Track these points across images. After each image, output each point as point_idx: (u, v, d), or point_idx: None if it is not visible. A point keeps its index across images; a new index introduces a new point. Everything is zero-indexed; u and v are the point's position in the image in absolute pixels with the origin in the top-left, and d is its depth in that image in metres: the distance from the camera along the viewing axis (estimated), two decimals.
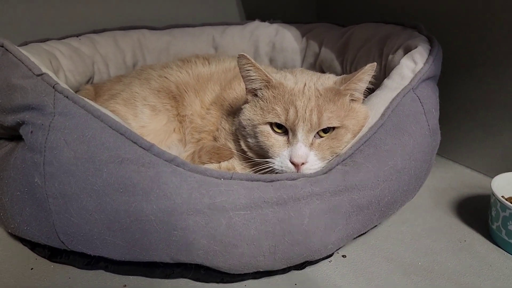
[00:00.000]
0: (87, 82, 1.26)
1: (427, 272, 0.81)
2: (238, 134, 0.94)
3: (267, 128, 0.86)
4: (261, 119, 0.86)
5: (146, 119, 1.06)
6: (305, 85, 0.86)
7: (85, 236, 0.72)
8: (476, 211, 1.02)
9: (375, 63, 0.83)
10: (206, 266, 0.74)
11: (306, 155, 0.81)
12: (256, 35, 1.40)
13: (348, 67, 1.19)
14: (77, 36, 1.30)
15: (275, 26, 1.41)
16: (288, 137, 0.84)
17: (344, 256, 0.85)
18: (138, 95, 1.09)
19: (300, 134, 0.82)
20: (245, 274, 0.76)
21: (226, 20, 1.48)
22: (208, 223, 0.69)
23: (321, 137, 0.84)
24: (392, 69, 0.97)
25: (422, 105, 0.89)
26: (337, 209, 0.76)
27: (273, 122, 0.85)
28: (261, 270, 0.75)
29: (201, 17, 1.51)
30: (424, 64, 0.92)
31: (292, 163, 0.82)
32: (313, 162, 0.82)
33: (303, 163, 0.81)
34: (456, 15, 1.18)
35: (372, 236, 0.92)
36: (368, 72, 0.84)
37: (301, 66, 1.37)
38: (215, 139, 1.04)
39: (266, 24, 1.43)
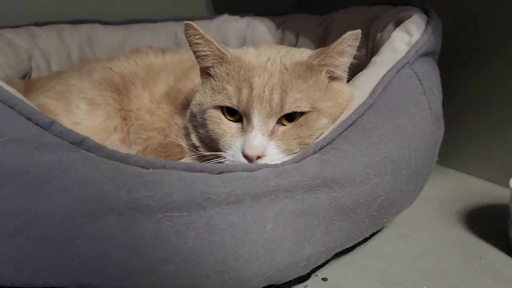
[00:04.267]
0: (23, 78, 1.06)
1: None
2: (189, 126, 0.74)
3: (217, 113, 0.67)
4: (210, 102, 0.67)
5: (81, 115, 0.86)
6: (269, 59, 0.67)
7: None
8: (490, 223, 0.81)
9: (359, 30, 0.64)
10: None
11: (263, 146, 0.62)
12: (224, 29, 1.22)
13: None
14: (13, 28, 1.10)
15: (246, 19, 1.23)
16: (243, 124, 0.65)
17: (324, 279, 0.64)
18: (75, 88, 0.89)
19: (256, 119, 0.63)
20: None
21: (192, 16, 1.30)
22: (127, 229, 0.48)
23: (285, 125, 0.65)
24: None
25: (421, 84, 0.70)
26: (313, 212, 0.56)
27: (223, 105, 0.66)
28: None
29: (164, 13, 1.32)
30: (422, 35, 0.73)
31: (245, 156, 0.62)
32: (273, 156, 0.62)
33: (259, 157, 0.61)
34: None
35: (361, 253, 0.70)
36: (348, 42, 0.64)
37: None
38: (166, 138, 0.84)
39: (236, 17, 1.25)
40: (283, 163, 0.57)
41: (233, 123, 0.66)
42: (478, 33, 0.98)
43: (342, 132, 0.62)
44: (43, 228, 0.48)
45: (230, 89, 0.64)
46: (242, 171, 0.53)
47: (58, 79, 0.95)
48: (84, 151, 0.51)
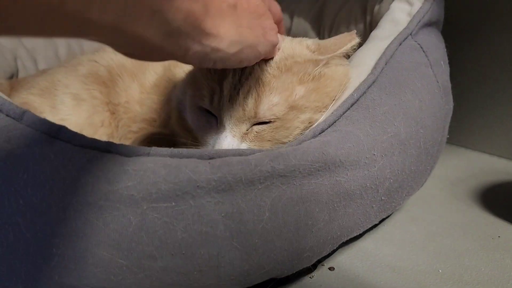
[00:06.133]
0: (10, 78, 1.02)
1: (452, 283, 0.56)
2: (173, 111, 0.70)
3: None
4: (190, 95, 0.63)
5: (67, 111, 0.81)
6: None
7: None
8: (507, 201, 0.77)
9: (354, 31, 0.61)
10: None
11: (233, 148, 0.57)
12: None
13: (326, 36, 0.96)
14: None
15: None
16: (217, 122, 0.61)
17: (331, 268, 0.59)
18: (60, 83, 0.85)
19: (227, 122, 0.58)
20: None
21: None
22: (108, 223, 0.44)
23: (260, 125, 0.59)
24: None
25: (426, 56, 0.65)
26: (314, 198, 0.50)
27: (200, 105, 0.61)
28: None
29: None
30: (423, 3, 0.69)
31: None
32: None
33: None
34: None
35: (370, 239, 0.66)
36: (350, 46, 0.61)
37: None
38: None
39: None
40: (279, 147, 0.52)
41: (212, 116, 0.61)
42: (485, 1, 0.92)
43: (344, 113, 0.57)
44: (15, 228, 0.43)
45: (205, 89, 0.59)
46: (233, 155, 0.49)
47: (43, 75, 0.91)
48: (60, 141, 0.46)
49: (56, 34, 0.32)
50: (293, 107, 0.57)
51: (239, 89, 0.57)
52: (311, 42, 0.62)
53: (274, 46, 0.55)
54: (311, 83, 0.59)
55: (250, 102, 0.56)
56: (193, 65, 0.44)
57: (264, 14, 0.50)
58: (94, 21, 0.30)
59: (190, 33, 0.38)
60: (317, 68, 0.59)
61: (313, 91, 0.59)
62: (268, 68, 0.57)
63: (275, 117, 0.57)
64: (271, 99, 0.56)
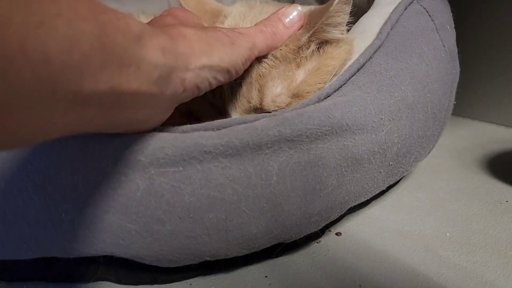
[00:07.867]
0: None
1: (460, 246, 0.56)
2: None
3: None
4: None
5: None
6: None
7: None
8: None
9: None
10: (124, 260, 0.48)
11: None
12: None
13: None
14: None
15: None
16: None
17: (338, 233, 0.60)
18: None
19: (233, 113, 0.57)
20: (187, 267, 0.50)
21: None
22: (117, 188, 0.44)
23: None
24: None
25: (432, 20, 0.64)
26: (322, 163, 0.50)
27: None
28: (208, 259, 0.49)
29: None
30: None
31: None
32: None
33: None
34: None
35: (377, 206, 0.66)
36: (338, 12, 0.54)
37: None
38: None
39: None
40: (284, 111, 0.51)
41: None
42: None
43: (350, 77, 0.56)
44: (24, 194, 0.44)
45: None
46: (238, 124, 0.48)
47: None
48: None
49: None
50: (295, 95, 0.56)
51: (241, 81, 0.55)
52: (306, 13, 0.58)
53: (249, 47, 0.49)
54: (309, 62, 0.57)
55: (254, 93, 0.55)
56: (194, 95, 0.44)
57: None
58: (88, 93, 0.29)
59: (176, 65, 0.38)
60: (309, 49, 0.56)
61: (313, 73, 0.57)
62: (266, 60, 0.55)
63: (279, 109, 0.55)
64: (274, 90, 0.55)
